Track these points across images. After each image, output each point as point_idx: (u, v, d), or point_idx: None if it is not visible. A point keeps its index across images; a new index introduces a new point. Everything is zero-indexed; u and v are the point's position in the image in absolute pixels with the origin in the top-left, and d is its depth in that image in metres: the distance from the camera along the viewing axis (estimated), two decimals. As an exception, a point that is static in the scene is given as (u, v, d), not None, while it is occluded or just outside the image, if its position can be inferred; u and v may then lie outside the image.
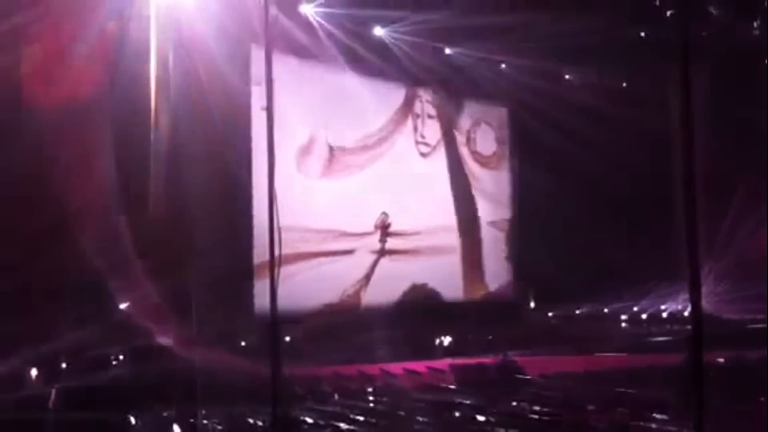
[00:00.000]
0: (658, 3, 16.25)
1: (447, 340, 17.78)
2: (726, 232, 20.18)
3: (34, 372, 12.25)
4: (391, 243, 19.86)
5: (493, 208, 22.39)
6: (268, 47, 5.03)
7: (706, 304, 4.21)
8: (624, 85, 21.43)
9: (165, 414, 10.46)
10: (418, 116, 20.88)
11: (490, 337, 17.64)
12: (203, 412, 10.47)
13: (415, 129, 20.84)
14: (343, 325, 16.80)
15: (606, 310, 21.67)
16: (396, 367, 14.36)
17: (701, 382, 3.83)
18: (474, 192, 21.93)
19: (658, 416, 9.58)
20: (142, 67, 14.25)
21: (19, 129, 12.26)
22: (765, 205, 18.26)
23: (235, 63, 15.74)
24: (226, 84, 15.76)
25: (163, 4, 13.90)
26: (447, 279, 20.83)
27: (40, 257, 11.86)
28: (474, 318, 19.26)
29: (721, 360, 13.85)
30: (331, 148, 18.81)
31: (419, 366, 14.58)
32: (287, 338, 14.04)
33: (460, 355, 16.02)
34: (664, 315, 20.81)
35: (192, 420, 9.97)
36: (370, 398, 12.01)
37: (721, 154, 17.48)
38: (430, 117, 21.09)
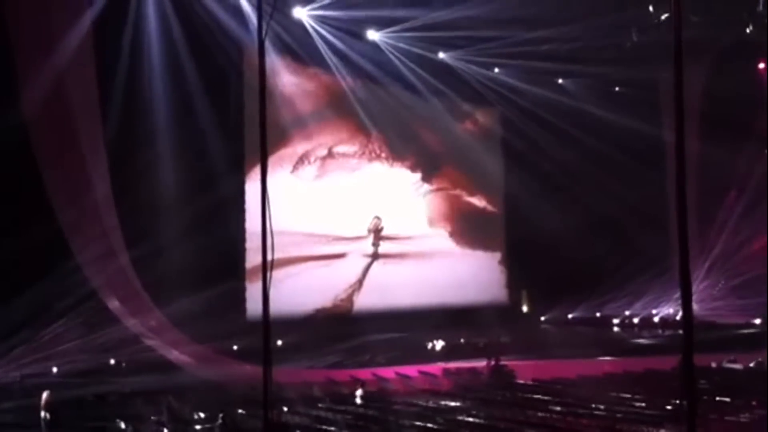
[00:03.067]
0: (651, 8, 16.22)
1: (440, 345, 17.69)
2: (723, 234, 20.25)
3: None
4: (384, 247, 19.75)
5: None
6: (261, 49, 4.99)
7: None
8: (616, 89, 21.38)
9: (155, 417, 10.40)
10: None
11: (483, 341, 17.58)
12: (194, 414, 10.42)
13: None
14: (335, 329, 16.75)
15: (598, 314, 21.60)
16: (388, 371, 14.31)
17: (693, 384, 3.80)
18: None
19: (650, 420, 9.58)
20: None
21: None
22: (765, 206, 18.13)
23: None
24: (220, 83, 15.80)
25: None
26: (440, 283, 20.67)
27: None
28: (467, 322, 19.15)
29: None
30: (326, 151, 18.79)
31: (411, 370, 14.52)
32: (279, 342, 14.01)
33: (453, 359, 15.95)
34: (656, 319, 20.77)
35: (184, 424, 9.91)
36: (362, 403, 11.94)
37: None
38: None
